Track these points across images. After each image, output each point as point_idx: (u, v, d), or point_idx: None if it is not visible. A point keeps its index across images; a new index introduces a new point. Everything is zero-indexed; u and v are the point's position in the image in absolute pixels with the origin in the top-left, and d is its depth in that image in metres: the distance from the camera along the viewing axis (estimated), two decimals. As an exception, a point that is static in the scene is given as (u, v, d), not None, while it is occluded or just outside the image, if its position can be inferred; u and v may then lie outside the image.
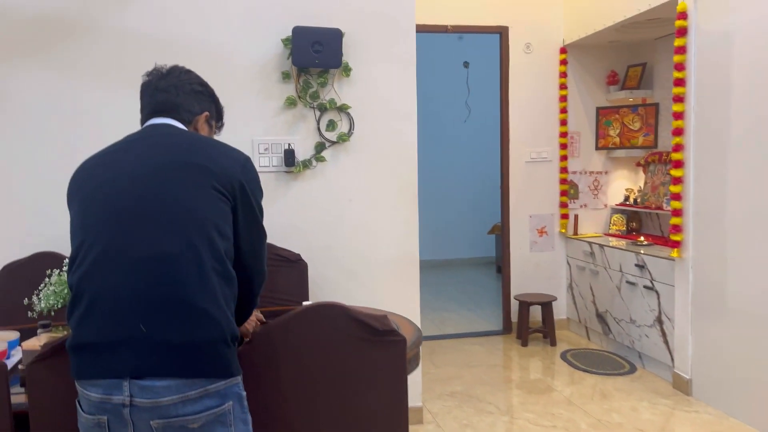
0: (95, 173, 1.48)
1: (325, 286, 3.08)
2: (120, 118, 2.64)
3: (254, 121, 2.97)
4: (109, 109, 2.79)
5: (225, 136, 2.96)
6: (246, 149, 2.93)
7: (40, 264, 2.59)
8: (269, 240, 2.88)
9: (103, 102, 2.80)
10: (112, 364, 1.32)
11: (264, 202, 2.99)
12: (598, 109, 4.80)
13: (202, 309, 1.34)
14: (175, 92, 1.61)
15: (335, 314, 1.61)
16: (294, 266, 2.85)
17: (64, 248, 2.53)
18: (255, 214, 1.54)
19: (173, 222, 1.37)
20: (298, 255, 2.87)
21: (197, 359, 1.33)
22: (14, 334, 1.94)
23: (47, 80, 2.75)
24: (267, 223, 2.96)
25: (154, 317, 1.32)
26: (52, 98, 2.76)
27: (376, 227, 3.13)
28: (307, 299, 2.85)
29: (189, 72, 1.68)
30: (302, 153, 3.02)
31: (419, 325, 3.02)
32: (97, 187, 1.45)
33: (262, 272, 1.63)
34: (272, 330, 1.61)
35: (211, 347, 1.35)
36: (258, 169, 3.00)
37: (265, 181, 3.00)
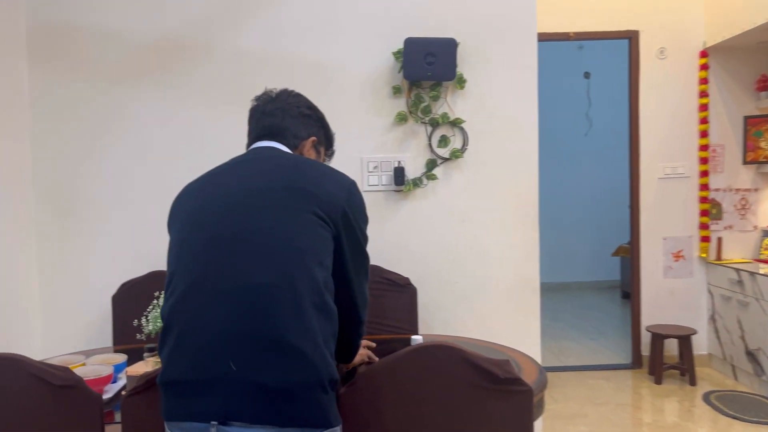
0: (194, 197, 1.41)
1: (436, 313, 2.88)
2: (237, 140, 2.60)
3: (363, 139, 2.85)
4: (225, 130, 2.78)
5: (337, 156, 2.88)
6: (355, 167, 2.82)
7: (156, 283, 2.60)
8: (377, 262, 2.75)
9: (220, 123, 2.80)
10: (199, 406, 1.20)
11: (372, 223, 2.84)
12: (746, 119, 4.25)
13: (297, 348, 1.19)
14: (282, 116, 1.53)
15: (450, 357, 1.41)
16: (403, 291, 2.68)
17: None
18: (359, 242, 1.41)
19: (268, 250, 1.25)
20: (407, 279, 2.70)
21: (291, 405, 1.18)
22: (122, 357, 1.91)
23: (166, 102, 2.79)
24: (375, 244, 2.83)
25: (244, 354, 1.20)
26: (170, 120, 2.80)
27: (492, 250, 2.89)
28: (416, 327, 2.67)
29: (298, 96, 1.60)
30: (413, 171, 2.86)
31: (540, 361, 2.74)
32: (193, 212, 1.36)
33: (366, 302, 1.49)
34: (378, 371, 1.43)
35: (307, 392, 1.20)
36: (366, 188, 2.93)
37: (373, 200, 2.90)
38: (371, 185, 2.85)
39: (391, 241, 2.86)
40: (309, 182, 1.33)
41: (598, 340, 5.14)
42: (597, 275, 7.35)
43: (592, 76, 7.17)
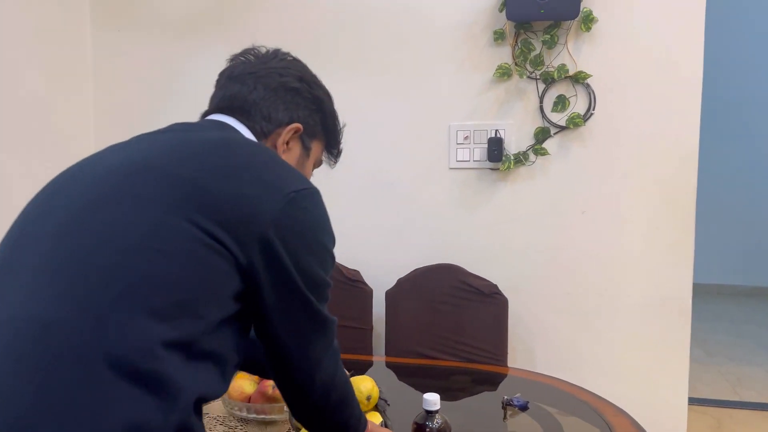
0: (53, 181, 0.91)
1: (536, 333, 2.19)
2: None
3: (453, 101, 2.21)
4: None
5: (417, 123, 2.30)
6: (440, 139, 2.21)
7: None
8: (457, 261, 2.14)
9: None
10: None
11: (455, 210, 2.16)
12: None
13: None
14: (253, 84, 0.99)
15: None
16: (489, 302, 2.04)
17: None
18: (296, 288, 0.85)
19: (77, 265, 0.74)
20: (495, 286, 2.04)
21: None
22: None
23: (223, 56, 2.41)
24: (456, 239, 2.22)
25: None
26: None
27: (623, 253, 2.11)
28: (504, 350, 2.01)
29: (292, 62, 1.05)
30: (515, 143, 2.17)
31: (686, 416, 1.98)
32: (35, 201, 0.88)
33: (328, 376, 0.95)
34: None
35: None
36: (453, 165, 2.26)
37: (461, 181, 2.19)
38: (459, 161, 2.22)
39: (478, 235, 2.21)
40: (214, 175, 0.81)
41: (796, 370, 3.95)
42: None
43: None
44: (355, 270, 2.18)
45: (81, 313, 0.70)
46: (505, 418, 1.43)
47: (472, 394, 1.69)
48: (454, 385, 1.73)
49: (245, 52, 1.06)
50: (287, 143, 1.00)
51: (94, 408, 0.66)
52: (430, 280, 2.10)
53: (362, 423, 1.05)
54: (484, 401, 1.53)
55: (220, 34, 2.41)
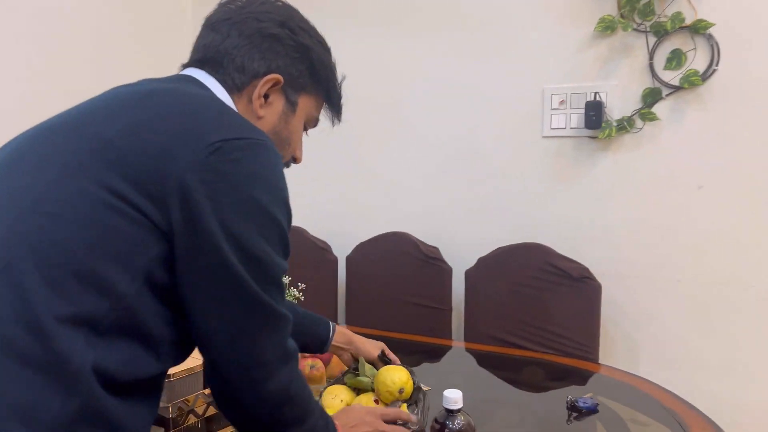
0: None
1: (637, 325, 1.91)
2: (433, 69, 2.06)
3: (547, 61, 1.97)
4: (404, 54, 2.24)
5: (506, 86, 2.08)
6: (533, 104, 2.00)
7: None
8: (544, 241, 1.92)
9: (391, 47, 2.25)
10: None
11: (548, 183, 1.98)
12: None
13: None
14: (227, 32, 0.85)
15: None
16: (579, 287, 1.81)
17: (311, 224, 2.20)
18: (223, 261, 0.70)
19: None
20: (587, 270, 1.81)
21: None
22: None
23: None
24: (544, 216, 2.00)
25: None
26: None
27: (746, 236, 1.77)
28: (596, 341, 1.78)
29: (278, 6, 0.89)
30: (618, 107, 1.89)
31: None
32: None
33: (277, 404, 0.78)
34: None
35: None
36: (548, 133, 2.04)
37: (555, 150, 1.97)
38: (554, 128, 1.98)
39: (571, 212, 1.97)
40: (127, 127, 0.70)
41: None
42: None
43: None
44: (434, 247, 2.05)
45: None
46: (568, 420, 1.24)
47: (542, 389, 1.51)
48: (527, 378, 1.55)
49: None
50: (265, 97, 0.87)
51: None
52: (514, 261, 1.91)
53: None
54: (553, 399, 1.34)
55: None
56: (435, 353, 1.77)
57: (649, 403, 1.31)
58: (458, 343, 1.86)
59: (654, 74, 1.83)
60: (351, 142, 2.30)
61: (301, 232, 2.28)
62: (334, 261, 2.20)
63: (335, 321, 2.17)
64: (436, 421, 0.97)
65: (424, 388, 1.24)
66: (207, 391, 1.36)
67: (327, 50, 0.93)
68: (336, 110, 0.98)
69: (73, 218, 0.66)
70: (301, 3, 0.96)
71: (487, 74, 2.05)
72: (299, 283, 1.57)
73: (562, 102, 1.96)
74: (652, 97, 1.83)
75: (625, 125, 1.86)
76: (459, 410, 0.96)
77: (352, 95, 2.33)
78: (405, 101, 2.21)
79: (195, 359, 1.33)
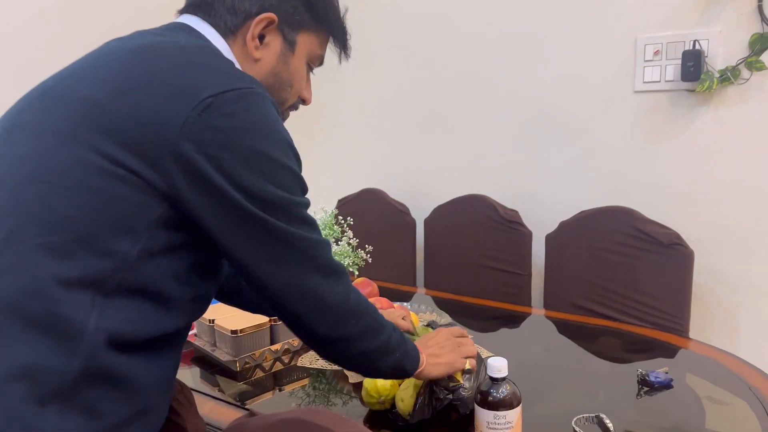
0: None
1: (738, 298, 1.75)
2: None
3: (640, 8, 1.80)
4: (456, 25, 2.16)
5: (594, 37, 1.92)
6: (625, 55, 1.86)
7: (367, 198, 2.30)
8: (631, 204, 1.77)
9: (456, 16, 2.17)
10: None
11: (640, 141, 1.90)
12: None
13: None
14: None
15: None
16: (668, 254, 1.67)
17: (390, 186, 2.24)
18: (243, 211, 0.72)
19: None
20: (678, 236, 1.66)
21: None
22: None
23: (396, 7, 2.31)
24: (634, 179, 1.86)
25: None
26: (404, 26, 2.31)
27: None
28: (686, 313, 1.65)
29: None
30: (721, 57, 1.69)
31: None
32: None
33: (317, 299, 0.79)
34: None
35: None
36: (640, 87, 1.88)
37: (649, 106, 1.82)
38: (647, 82, 1.82)
39: (663, 173, 1.81)
40: (116, 89, 0.70)
41: None
42: None
43: None
44: (513, 210, 1.97)
45: None
46: (638, 395, 1.16)
47: (620, 361, 1.42)
48: (605, 349, 1.47)
49: None
50: (261, 38, 0.84)
51: None
52: (598, 225, 1.80)
53: (407, 346, 0.93)
54: (628, 372, 1.26)
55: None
56: (513, 320, 1.72)
57: (733, 381, 1.20)
58: (537, 310, 1.79)
59: (763, 18, 1.62)
60: (430, 102, 2.25)
61: (380, 195, 2.28)
62: (413, 224, 2.19)
63: (413, 284, 2.18)
64: (479, 390, 0.94)
65: (483, 355, 1.21)
66: (274, 347, 1.41)
67: None
68: (342, 45, 0.93)
69: (71, 185, 0.67)
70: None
71: (573, 25, 1.91)
72: (366, 246, 1.58)
73: (656, 52, 1.79)
74: (761, 43, 1.63)
75: (728, 76, 1.67)
76: (503, 379, 0.93)
77: (431, 54, 2.27)
78: (486, 57, 2.11)
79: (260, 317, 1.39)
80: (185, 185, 0.69)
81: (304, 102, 0.94)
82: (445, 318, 1.59)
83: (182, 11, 0.88)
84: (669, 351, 1.43)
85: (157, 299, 0.72)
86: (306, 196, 0.80)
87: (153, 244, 0.70)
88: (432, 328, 1.16)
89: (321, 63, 0.95)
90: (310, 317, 0.80)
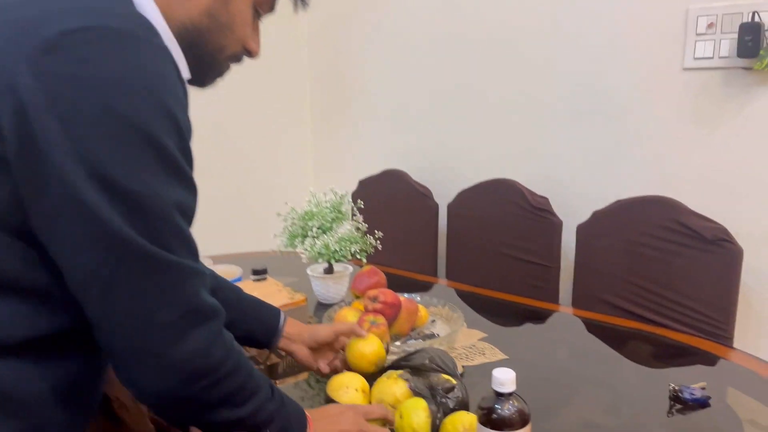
0: None
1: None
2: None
3: (695, -25, 1.62)
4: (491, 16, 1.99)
5: (640, 8, 1.73)
6: (675, 29, 1.68)
7: (388, 180, 2.18)
8: (671, 194, 1.59)
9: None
10: None
11: (688, 124, 1.67)
12: None
13: None
14: None
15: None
16: (711, 251, 1.50)
17: (412, 167, 2.15)
18: (71, 191, 0.54)
19: None
20: (725, 231, 1.49)
21: None
22: (236, 271, 1.56)
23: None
24: (679, 166, 1.70)
25: None
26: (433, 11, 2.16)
27: None
28: (732, 317, 1.48)
29: None
30: (785, 29, 1.50)
31: None
32: None
33: (159, 331, 0.60)
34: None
35: None
36: (690, 64, 1.67)
37: (701, 85, 1.64)
38: (698, 59, 1.64)
39: (713, 160, 1.64)
40: None
41: None
42: None
43: None
44: (543, 197, 1.82)
45: None
46: (669, 412, 1.02)
47: (652, 369, 1.26)
48: (638, 355, 1.32)
49: None
50: None
51: None
52: (636, 216, 1.64)
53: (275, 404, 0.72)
54: (661, 384, 1.11)
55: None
56: (537, 317, 1.57)
57: (783, 402, 1.04)
58: (565, 308, 1.65)
59: (840, -16, 1.42)
60: (457, 75, 2.10)
61: (402, 176, 2.15)
62: (435, 208, 2.06)
63: (434, 274, 2.05)
64: (480, 407, 0.81)
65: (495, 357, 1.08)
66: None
67: None
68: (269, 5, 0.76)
69: None
70: None
71: (616, -4, 1.74)
72: (376, 231, 1.46)
73: (710, 25, 1.60)
74: (834, 14, 1.43)
75: (793, 52, 1.48)
76: (510, 394, 0.80)
77: (459, 21, 2.12)
78: (519, 28, 1.95)
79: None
80: (14, 147, 0.54)
81: (250, 54, 0.78)
82: (458, 317, 1.43)
83: None
84: (708, 360, 1.27)
85: (22, 293, 0.59)
86: (191, 194, 0.62)
87: (2, 226, 0.56)
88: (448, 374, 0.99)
89: (272, 9, 0.78)
90: (146, 366, 0.61)
